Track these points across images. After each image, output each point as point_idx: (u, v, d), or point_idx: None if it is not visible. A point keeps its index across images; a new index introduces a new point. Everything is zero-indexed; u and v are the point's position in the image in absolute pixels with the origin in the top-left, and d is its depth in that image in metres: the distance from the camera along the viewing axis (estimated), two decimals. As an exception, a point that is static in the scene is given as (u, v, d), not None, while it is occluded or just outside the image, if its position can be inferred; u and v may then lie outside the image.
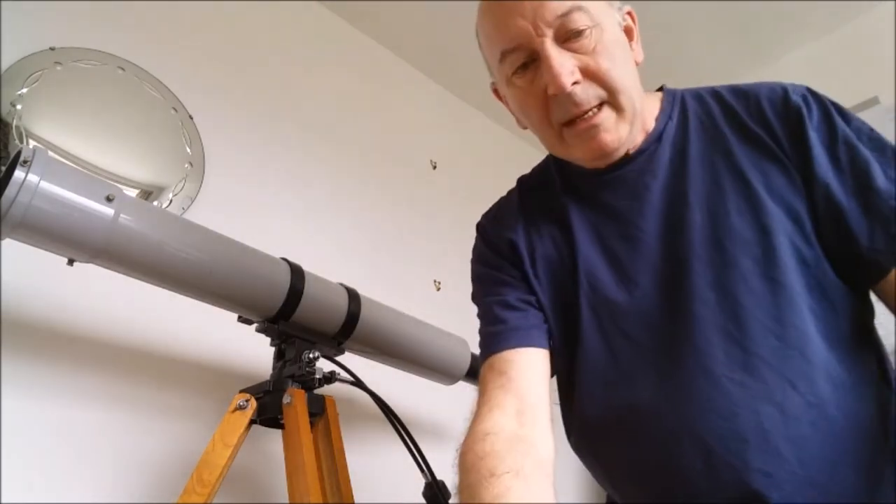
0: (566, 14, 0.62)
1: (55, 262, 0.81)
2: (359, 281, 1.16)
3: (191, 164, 1.36)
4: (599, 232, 0.72)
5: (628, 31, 0.71)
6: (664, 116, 0.72)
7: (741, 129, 0.68)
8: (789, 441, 0.56)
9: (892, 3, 1.92)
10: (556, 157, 0.77)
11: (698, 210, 0.66)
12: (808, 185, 0.63)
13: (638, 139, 0.71)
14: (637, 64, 0.71)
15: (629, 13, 0.73)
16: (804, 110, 0.65)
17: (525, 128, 0.74)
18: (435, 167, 2.07)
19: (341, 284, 1.07)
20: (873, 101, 1.90)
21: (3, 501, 0.93)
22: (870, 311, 0.65)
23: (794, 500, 0.55)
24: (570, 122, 0.66)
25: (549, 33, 0.63)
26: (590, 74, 0.64)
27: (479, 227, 0.86)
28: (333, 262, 1.55)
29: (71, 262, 0.80)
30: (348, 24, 1.98)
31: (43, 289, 1.07)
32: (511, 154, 2.45)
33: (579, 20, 0.63)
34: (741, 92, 0.71)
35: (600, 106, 0.65)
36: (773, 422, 0.57)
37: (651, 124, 0.72)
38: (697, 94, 0.74)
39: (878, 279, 0.61)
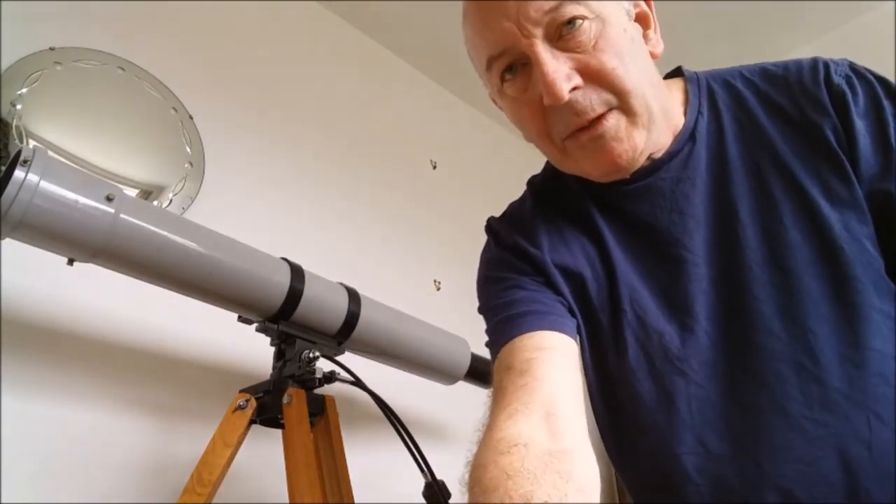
0: (556, 8, 0.52)
1: (55, 261, 0.81)
2: (359, 281, 1.16)
3: (191, 164, 1.36)
4: (635, 250, 0.61)
5: (643, 18, 0.60)
6: (693, 111, 0.61)
7: (785, 121, 0.58)
8: (880, 480, 0.49)
9: (892, 3, 1.92)
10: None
11: (750, 225, 0.56)
12: (858, 181, 0.54)
13: (665, 139, 0.60)
14: (655, 57, 0.60)
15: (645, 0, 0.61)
16: (848, 94, 0.56)
17: (528, 140, 0.63)
18: (435, 167, 2.07)
19: (341, 284, 1.07)
20: (873, 101, 1.90)
21: (3, 501, 0.93)
22: None
23: None
24: (574, 135, 0.56)
25: (539, 33, 0.53)
26: (591, 76, 0.53)
27: (491, 229, 0.73)
28: (333, 262, 1.55)
29: (71, 261, 0.80)
30: (348, 24, 1.98)
31: (43, 289, 1.07)
32: (511, 154, 2.45)
33: (572, 11, 0.52)
34: (776, 76, 0.60)
35: (608, 112, 0.55)
36: (860, 461, 0.49)
37: (679, 120, 0.61)
38: (724, 80, 0.64)
39: None
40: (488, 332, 0.65)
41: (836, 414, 0.51)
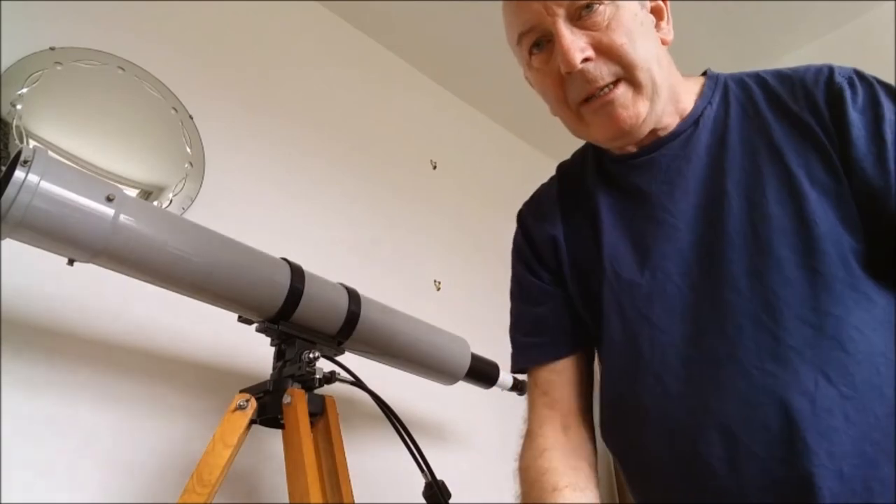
0: None
1: (55, 262, 0.81)
2: (359, 281, 1.16)
3: (191, 164, 1.36)
4: (626, 215, 0.71)
5: (657, 11, 0.70)
6: (703, 101, 0.70)
7: (785, 113, 0.65)
8: (820, 435, 0.53)
9: (892, 3, 1.92)
10: (595, 149, 0.77)
11: (735, 197, 0.63)
12: (847, 170, 0.60)
13: (671, 121, 0.69)
14: (665, 43, 0.69)
15: None
16: (847, 92, 0.62)
17: (554, 114, 0.73)
18: (435, 167, 2.07)
19: (341, 284, 1.07)
20: (873, 101, 1.90)
21: (3, 501, 0.93)
22: None
23: (822, 493, 0.52)
24: (586, 100, 0.65)
25: (561, 13, 0.63)
26: (603, 50, 0.63)
27: (520, 217, 0.83)
28: (333, 262, 1.55)
29: (71, 261, 0.80)
30: (348, 24, 1.98)
31: (43, 289, 1.07)
32: (511, 154, 2.45)
33: None
34: (786, 76, 0.68)
35: (617, 83, 0.64)
36: (801, 413, 0.54)
37: (688, 107, 0.70)
38: (740, 79, 0.72)
39: None
40: (511, 335, 0.81)
41: (786, 368, 0.56)
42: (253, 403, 0.89)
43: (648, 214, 0.68)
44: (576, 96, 0.66)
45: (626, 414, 0.67)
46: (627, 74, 0.64)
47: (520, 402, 1.61)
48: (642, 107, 0.65)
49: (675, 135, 0.69)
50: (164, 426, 1.14)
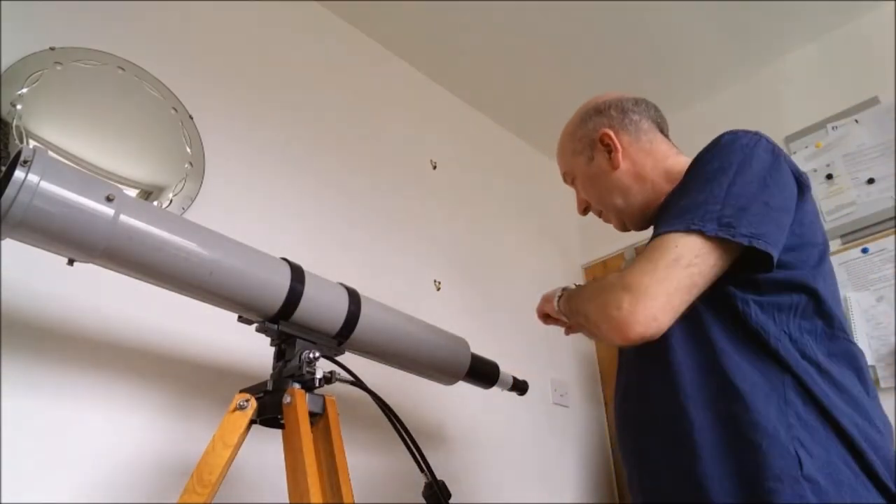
0: (564, 177, 1.12)
1: (55, 262, 0.81)
2: (359, 281, 1.16)
3: (191, 164, 1.36)
4: None
5: (606, 145, 1.01)
6: None
7: None
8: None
9: (892, 3, 1.92)
10: None
11: None
12: None
13: (667, 188, 0.94)
14: (616, 168, 1.00)
15: (601, 137, 1.01)
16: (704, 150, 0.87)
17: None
18: (435, 167, 2.07)
19: (341, 284, 1.07)
20: (873, 101, 1.90)
21: (3, 501, 0.93)
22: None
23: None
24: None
25: (569, 179, 1.11)
26: (586, 202, 1.08)
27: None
28: (333, 261, 1.55)
29: (71, 262, 0.80)
30: (348, 24, 1.98)
31: (43, 289, 1.07)
32: (511, 154, 2.45)
33: (568, 179, 1.10)
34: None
35: (600, 213, 1.08)
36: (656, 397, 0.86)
37: (684, 168, 0.89)
38: None
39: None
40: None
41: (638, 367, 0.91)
42: (253, 403, 0.89)
43: None
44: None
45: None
46: (604, 210, 1.05)
47: (519, 402, 1.61)
48: (626, 217, 1.02)
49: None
50: (164, 426, 1.14)
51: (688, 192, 0.82)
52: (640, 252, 0.81)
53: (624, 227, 1.05)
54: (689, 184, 0.84)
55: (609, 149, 1.00)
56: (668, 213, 0.83)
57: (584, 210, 1.08)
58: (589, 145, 1.02)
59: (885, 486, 0.70)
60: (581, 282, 1.25)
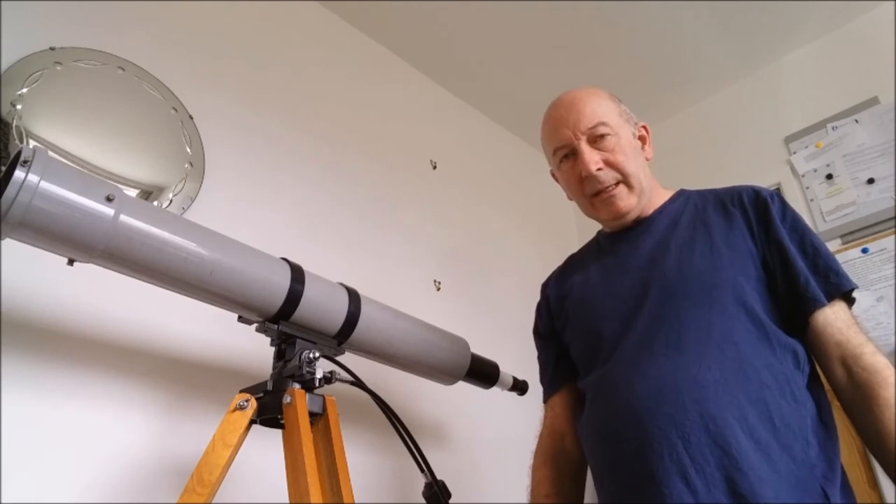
0: (594, 126, 0.99)
1: (55, 262, 0.81)
2: (359, 281, 1.16)
3: (191, 164, 1.36)
4: (605, 266, 1.06)
5: (642, 138, 1.07)
6: (670, 202, 1.05)
7: (723, 209, 0.98)
8: (694, 401, 0.81)
9: (892, 3, 1.93)
10: (598, 233, 1.15)
11: (673, 251, 0.96)
12: (767, 244, 0.92)
13: (648, 211, 1.04)
14: (648, 160, 1.06)
15: (643, 126, 1.08)
16: (770, 201, 0.95)
17: (570, 199, 1.10)
18: (435, 167, 2.07)
19: (341, 284, 1.07)
20: (873, 101, 1.90)
21: (3, 501, 0.93)
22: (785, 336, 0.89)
23: (689, 438, 0.80)
24: (597, 194, 1.01)
25: (583, 138, 1.00)
26: (610, 164, 0.99)
27: (545, 282, 1.20)
28: (333, 262, 1.55)
29: (71, 262, 0.80)
30: (348, 24, 1.98)
31: (43, 289, 1.07)
32: (511, 154, 2.45)
33: (602, 130, 0.99)
34: (729, 189, 1.02)
35: (617, 184, 1.00)
36: (686, 384, 0.83)
37: (658, 204, 1.05)
38: (702, 192, 1.05)
39: (811, 312, 0.88)
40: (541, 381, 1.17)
41: (682, 355, 0.86)
42: (253, 403, 0.89)
43: (618, 265, 1.03)
44: (589, 191, 1.01)
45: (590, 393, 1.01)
46: (625, 180, 1.00)
47: (519, 402, 1.61)
48: (633, 200, 1.01)
49: (645, 219, 1.04)
50: (164, 426, 1.14)
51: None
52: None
53: (617, 213, 1.01)
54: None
55: (643, 141, 1.07)
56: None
57: (599, 169, 0.98)
58: (633, 123, 1.05)
59: None
60: None
